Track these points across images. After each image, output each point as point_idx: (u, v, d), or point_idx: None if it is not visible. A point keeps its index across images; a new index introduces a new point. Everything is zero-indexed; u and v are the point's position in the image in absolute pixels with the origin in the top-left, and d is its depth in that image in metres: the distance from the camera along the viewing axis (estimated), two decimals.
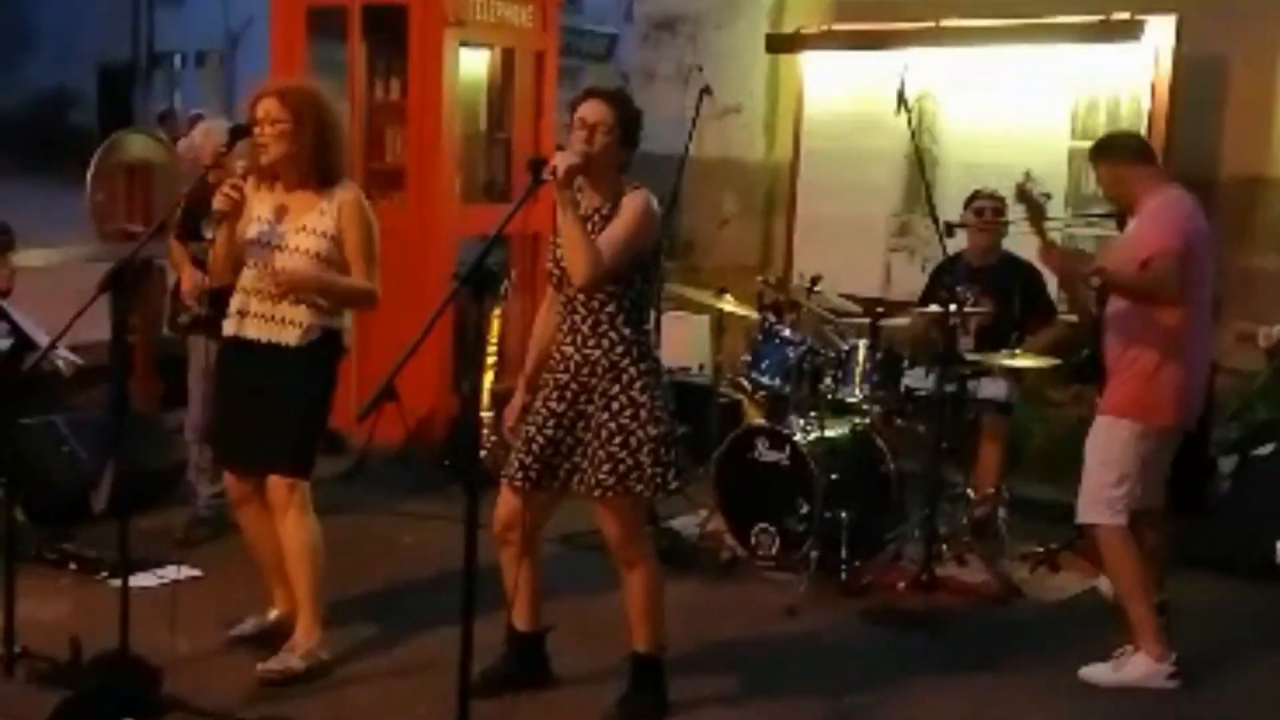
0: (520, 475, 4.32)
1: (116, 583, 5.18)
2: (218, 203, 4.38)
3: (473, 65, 7.95)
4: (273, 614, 4.88)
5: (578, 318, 4.26)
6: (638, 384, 4.21)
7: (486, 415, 7.31)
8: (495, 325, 7.16)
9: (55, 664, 4.36)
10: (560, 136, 8.26)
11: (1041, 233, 4.98)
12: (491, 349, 7.18)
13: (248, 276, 4.59)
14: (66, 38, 31.36)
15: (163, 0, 32.56)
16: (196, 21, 30.86)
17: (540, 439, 4.30)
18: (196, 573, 5.51)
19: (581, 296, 4.21)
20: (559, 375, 4.31)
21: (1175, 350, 4.80)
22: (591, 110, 4.18)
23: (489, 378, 7.22)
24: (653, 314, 4.44)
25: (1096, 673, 4.85)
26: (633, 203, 4.18)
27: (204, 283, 5.45)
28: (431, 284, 7.39)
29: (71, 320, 4.04)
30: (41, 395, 6.23)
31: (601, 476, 4.19)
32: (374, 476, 6.97)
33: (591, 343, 4.24)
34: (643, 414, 4.20)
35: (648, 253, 4.23)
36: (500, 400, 7.29)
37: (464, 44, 7.59)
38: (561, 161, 4.02)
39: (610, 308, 4.21)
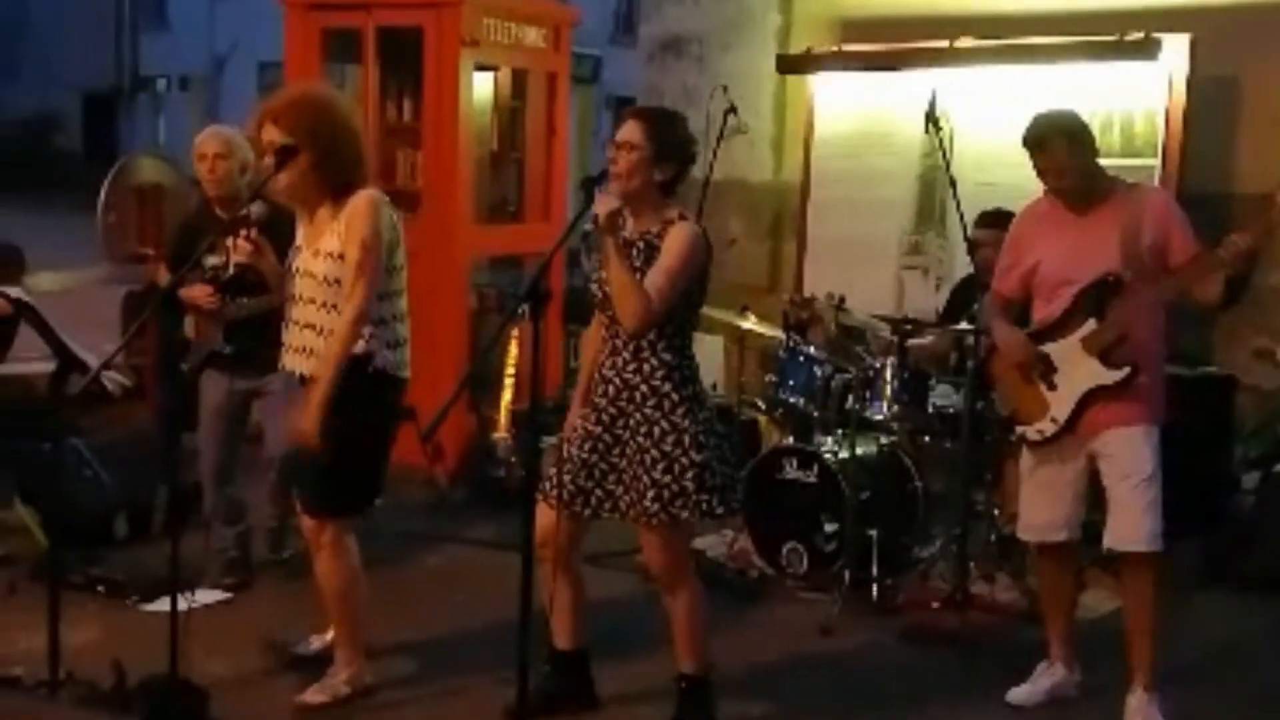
0: (554, 493, 4.30)
1: (146, 607, 5.25)
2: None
3: (479, 85, 7.94)
4: (331, 634, 4.82)
5: (619, 342, 4.23)
6: (680, 409, 4.17)
7: (503, 436, 7.33)
8: (513, 345, 7.16)
9: (97, 689, 4.32)
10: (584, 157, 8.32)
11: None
12: (509, 369, 7.18)
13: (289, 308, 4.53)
14: (50, 64, 31.36)
15: (146, 25, 32.59)
16: (181, 46, 30.91)
17: (576, 461, 4.29)
18: (226, 596, 5.48)
19: None
20: (597, 399, 4.29)
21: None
22: (623, 131, 4.15)
23: (506, 397, 7.22)
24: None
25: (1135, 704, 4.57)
26: (679, 237, 4.11)
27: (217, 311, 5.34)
28: (446, 305, 7.37)
29: (125, 342, 4.03)
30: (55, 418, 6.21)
31: (647, 504, 4.16)
32: (391, 498, 6.90)
33: (631, 368, 4.21)
34: (686, 439, 4.16)
35: (692, 280, 4.17)
36: (518, 419, 7.32)
37: (478, 66, 7.59)
38: (602, 209, 3.93)
39: (651, 334, 4.16)
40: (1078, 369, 4.52)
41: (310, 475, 4.44)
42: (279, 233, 4.71)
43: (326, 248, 4.35)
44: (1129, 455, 4.52)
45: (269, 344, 5.06)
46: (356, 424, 4.36)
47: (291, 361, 4.48)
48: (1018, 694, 4.79)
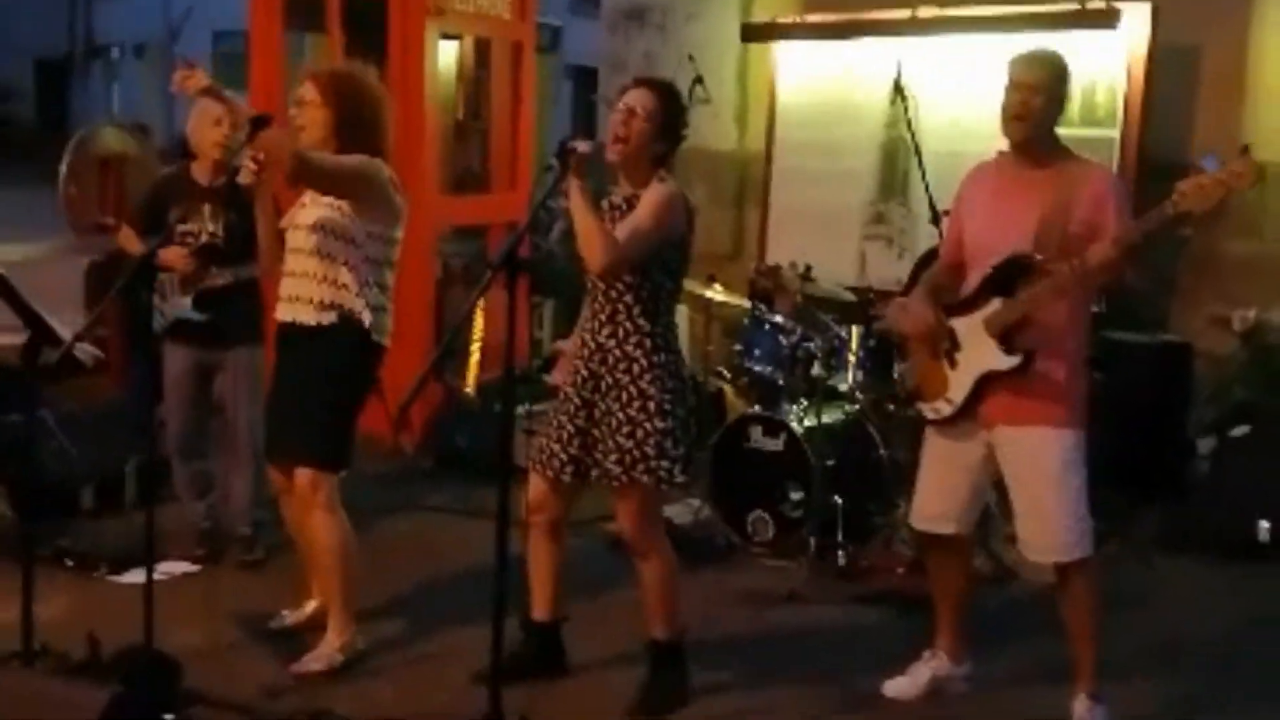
0: (545, 462, 4.36)
1: (115, 578, 5.25)
2: (242, 177, 4.38)
3: (442, 54, 7.92)
4: (310, 606, 4.88)
5: (597, 305, 4.29)
6: (647, 376, 4.22)
7: (470, 404, 7.35)
8: (479, 315, 7.18)
9: (70, 660, 4.31)
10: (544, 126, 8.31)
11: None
12: (476, 339, 7.20)
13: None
14: (2, 30, 30.92)
15: None
16: (135, 13, 30.52)
17: (555, 424, 4.36)
18: (194, 568, 5.49)
19: (602, 285, 4.24)
20: (577, 362, 4.36)
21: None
22: (635, 97, 4.20)
23: (473, 365, 7.25)
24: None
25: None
26: (653, 194, 4.17)
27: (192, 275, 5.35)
28: (413, 276, 7.32)
29: (100, 311, 4.02)
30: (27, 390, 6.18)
31: (609, 466, 4.22)
32: (356, 468, 6.90)
33: (606, 331, 4.27)
34: (651, 406, 4.21)
35: (669, 245, 4.21)
36: (485, 389, 7.34)
37: (442, 35, 7.57)
38: (577, 147, 4.00)
39: (628, 298, 4.23)
40: (977, 350, 4.18)
41: (309, 428, 4.51)
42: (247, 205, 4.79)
43: (327, 199, 4.48)
44: (1025, 458, 4.19)
45: (238, 317, 5.09)
46: (354, 379, 4.58)
47: (287, 310, 4.54)
48: (894, 686, 4.57)
